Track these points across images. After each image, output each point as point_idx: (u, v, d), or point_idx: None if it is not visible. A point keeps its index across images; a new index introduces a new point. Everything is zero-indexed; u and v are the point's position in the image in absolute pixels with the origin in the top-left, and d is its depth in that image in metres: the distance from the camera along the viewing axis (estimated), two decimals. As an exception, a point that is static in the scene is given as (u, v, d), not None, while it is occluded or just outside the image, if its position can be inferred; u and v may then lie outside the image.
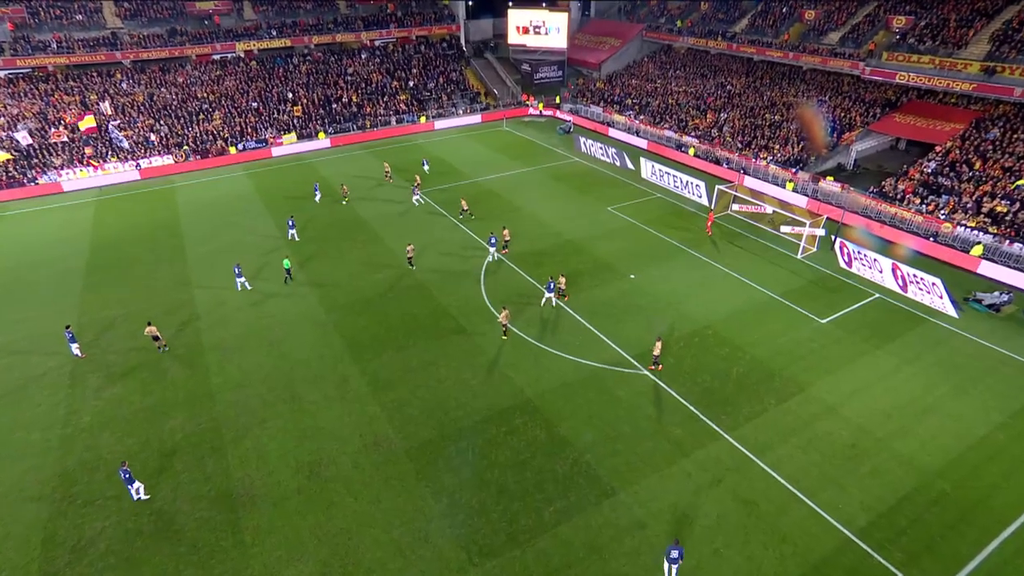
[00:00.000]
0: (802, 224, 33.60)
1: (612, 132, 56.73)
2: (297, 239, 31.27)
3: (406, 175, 42.98)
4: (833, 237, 33.59)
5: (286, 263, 26.70)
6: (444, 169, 45.89)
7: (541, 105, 64.46)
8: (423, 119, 58.44)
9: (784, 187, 41.38)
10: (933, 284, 27.71)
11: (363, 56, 64.41)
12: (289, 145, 51.75)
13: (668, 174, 43.01)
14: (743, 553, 16.13)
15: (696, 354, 24.14)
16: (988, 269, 31.39)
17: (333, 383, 22.01)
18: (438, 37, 71.25)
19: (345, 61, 62.92)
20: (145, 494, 16.56)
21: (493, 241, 30.91)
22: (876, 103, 47.29)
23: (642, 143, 53.09)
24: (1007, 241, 31.98)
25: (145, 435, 19.42)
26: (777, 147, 46.35)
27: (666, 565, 15.76)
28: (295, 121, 54.76)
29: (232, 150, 49.90)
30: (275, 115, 54.92)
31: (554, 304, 23.21)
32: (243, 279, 26.82)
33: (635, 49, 71.82)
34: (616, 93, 64.46)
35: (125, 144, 47.48)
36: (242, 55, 59.63)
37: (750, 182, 42.62)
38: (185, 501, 16.78)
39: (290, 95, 57.19)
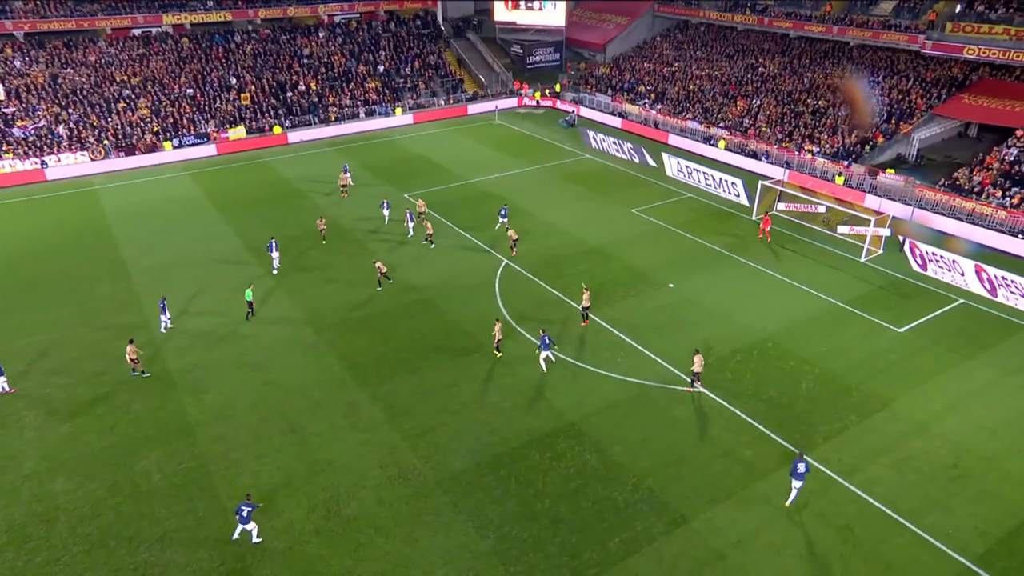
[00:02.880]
0: (864, 223, 35.62)
1: (625, 125, 59.27)
2: (276, 269, 31.75)
3: (396, 181, 44.33)
4: (901, 238, 35.65)
5: (248, 294, 27.36)
6: (431, 170, 47.52)
7: (538, 94, 67.11)
8: (399, 111, 60.38)
9: (834, 182, 43.71)
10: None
11: (321, 35, 66.59)
12: (238, 141, 52.96)
13: (697, 171, 45.29)
14: (844, 584, 17.25)
15: (757, 369, 25.58)
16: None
17: (339, 411, 22.83)
18: (410, 13, 73.99)
19: (300, 40, 64.91)
20: (257, 537, 17.03)
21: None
22: (940, 83, 50.52)
23: (663, 136, 55.56)
24: (1104, 237, 34.33)
25: (111, 478, 19.94)
26: (824, 137, 49.05)
27: (794, 484, 19.12)
28: (242, 112, 56.06)
29: (167, 146, 50.80)
30: (217, 105, 56.13)
31: (552, 361, 24.00)
32: (167, 317, 26.11)
33: (646, 26, 75.46)
34: (626, 79, 67.53)
35: (18, 133, 47.48)
36: (170, 30, 60.85)
37: (795, 178, 44.95)
38: (178, 551, 17.33)
39: (234, 80, 58.65)
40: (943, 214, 39.39)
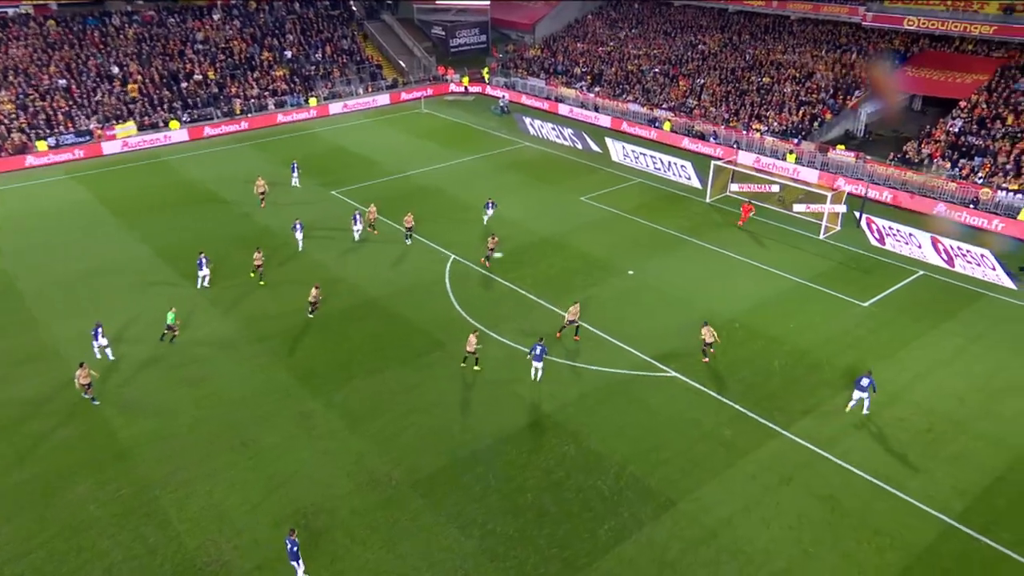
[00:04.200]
0: (820, 200, 38.40)
1: (563, 109, 61.32)
2: (204, 287, 31.58)
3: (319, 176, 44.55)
4: (857, 213, 38.58)
5: (171, 317, 27.32)
6: (359, 164, 48.04)
7: (466, 80, 68.47)
8: (313, 101, 60.47)
9: (785, 160, 46.72)
10: (982, 256, 32.87)
11: (215, 17, 65.87)
12: (129, 138, 51.83)
13: (644, 155, 47.57)
14: (836, 550, 19.00)
15: (727, 350, 27.54)
16: (1040, 234, 37.41)
17: (292, 421, 23.24)
18: (321, -8, 73.91)
19: (191, 23, 63.97)
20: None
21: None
22: (883, 56, 54.50)
23: (604, 120, 57.86)
24: (1052, 202, 38.19)
25: (38, 513, 19.78)
26: (771, 115, 52.23)
27: (856, 395, 23.64)
28: (131, 106, 54.85)
29: (41, 146, 49.15)
30: (97, 97, 54.67)
31: (540, 377, 24.98)
32: (104, 342, 25.66)
33: (576, 4, 78.08)
34: (559, 61, 69.79)
35: None
36: (31, 11, 58.72)
37: (744, 157, 47.77)
38: (128, 585, 17.46)
39: (116, 69, 57.30)
40: (895, 188, 42.70)
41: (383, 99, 63.69)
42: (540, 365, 24.72)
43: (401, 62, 69.56)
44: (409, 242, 35.95)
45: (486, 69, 70.12)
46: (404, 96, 65.00)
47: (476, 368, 25.65)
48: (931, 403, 24.81)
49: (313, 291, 28.63)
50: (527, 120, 55.81)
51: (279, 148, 51.54)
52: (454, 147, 51.68)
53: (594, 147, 51.00)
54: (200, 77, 58.96)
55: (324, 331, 28.24)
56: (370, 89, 64.13)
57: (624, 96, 60.48)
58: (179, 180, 45.05)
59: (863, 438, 23.08)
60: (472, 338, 25.43)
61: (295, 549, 17.43)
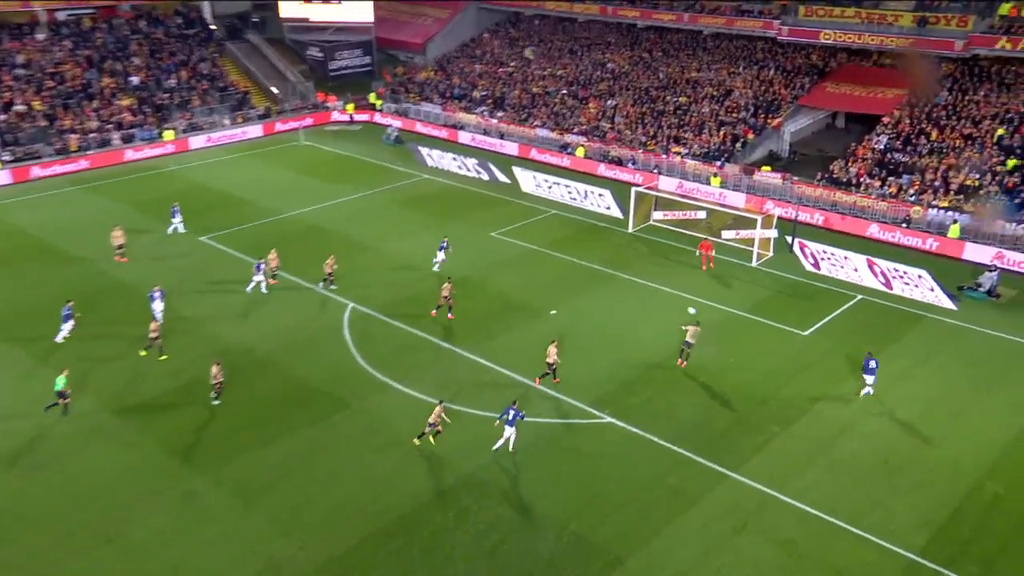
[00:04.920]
0: (750, 225, 40.67)
1: (464, 137, 62.75)
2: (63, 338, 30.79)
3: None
4: (789, 238, 41.05)
5: (60, 381, 26.23)
6: (229, 204, 47.55)
7: (351, 107, 69.14)
8: (170, 135, 59.44)
9: (710, 184, 49.30)
10: (919, 277, 35.56)
11: (40, 36, 64.08)
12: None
13: (558, 184, 49.29)
14: (798, 597, 19.90)
15: (664, 390, 28.65)
16: (975, 252, 40.60)
17: (173, 505, 22.53)
18: (167, 9, 73.05)
19: (6, 44, 61.89)
20: None
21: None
22: (801, 71, 58.76)
23: (511, 148, 59.53)
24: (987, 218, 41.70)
25: None
26: (691, 137, 55.15)
27: (868, 379, 27.81)
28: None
29: None
30: None
31: (512, 447, 24.97)
32: None
33: (470, 21, 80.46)
34: (455, 84, 71.56)
35: None
36: None
37: (666, 183, 50.14)
38: None
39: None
40: (826, 209, 45.68)
41: (255, 130, 63.37)
42: (512, 432, 24.56)
43: (273, 88, 69.51)
44: (321, 287, 36.04)
45: (373, 94, 71.00)
46: (280, 127, 64.90)
47: (432, 441, 25.33)
48: (883, 432, 26.48)
49: (213, 369, 27.32)
50: (424, 150, 56.73)
51: (130, 190, 50.31)
52: (342, 182, 51.90)
53: (502, 178, 52.29)
54: (23, 107, 57.02)
55: (201, 397, 27.62)
56: (239, 120, 63.68)
57: (531, 121, 62.45)
58: (4, 229, 43.24)
59: (818, 474, 24.36)
60: (437, 410, 25.22)
61: None
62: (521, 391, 28.26)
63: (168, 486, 23.45)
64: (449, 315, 33.76)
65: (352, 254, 39.63)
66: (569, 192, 48.77)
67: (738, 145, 53.91)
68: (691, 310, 32.45)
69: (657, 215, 45.11)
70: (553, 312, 34.37)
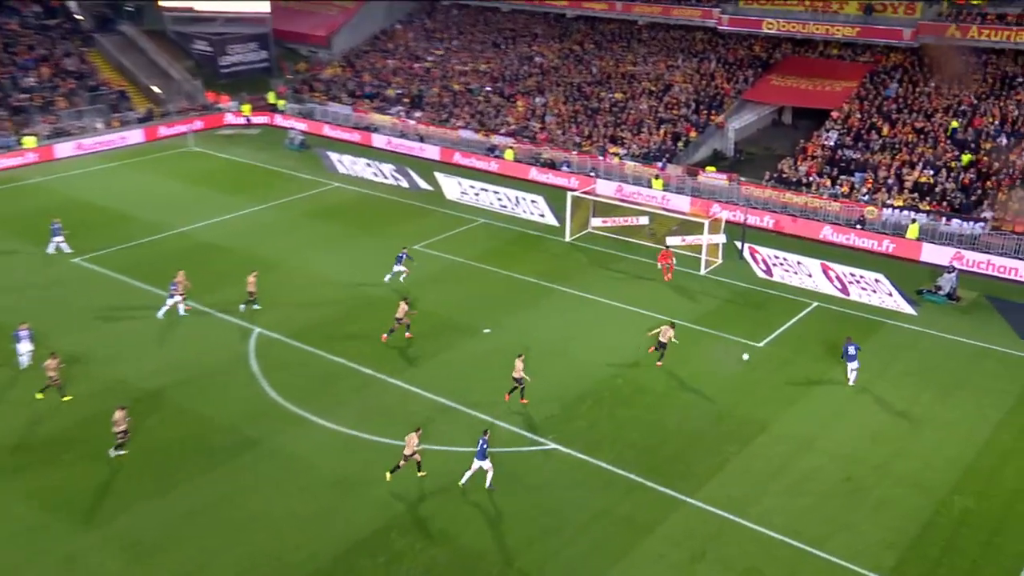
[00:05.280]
0: (697, 231, 41.92)
1: (378, 140, 63.05)
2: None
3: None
4: (739, 243, 42.42)
5: None
6: (108, 221, 46.75)
7: (247, 108, 68.64)
8: (30, 141, 57.92)
9: (651, 187, 50.60)
10: (877, 281, 37.21)
11: None
12: None
13: (486, 191, 50.02)
14: (764, 627, 20.64)
15: (613, 411, 29.38)
16: (934, 254, 42.60)
17: (51, 569, 21.99)
18: (22, -3, 70.98)
19: None
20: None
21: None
22: (744, 64, 60.85)
23: (432, 151, 60.06)
24: (943, 219, 43.80)
25: None
26: (629, 136, 56.52)
27: (851, 367, 30.62)
28: None
29: None
30: None
31: (489, 481, 25.04)
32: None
33: (380, 11, 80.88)
34: (366, 82, 71.78)
35: None
36: None
37: (604, 187, 51.24)
38: None
39: None
40: (776, 211, 47.32)
41: (135, 136, 62.32)
42: (484, 464, 24.68)
43: (155, 87, 68.48)
44: (243, 308, 35.95)
45: (273, 94, 70.66)
46: (164, 131, 64.01)
47: (420, 474, 25.47)
48: (846, 447, 27.63)
49: (117, 414, 26.26)
50: (334, 156, 56.76)
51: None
52: (241, 193, 51.56)
53: (423, 184, 52.70)
54: None
55: (87, 443, 27.05)
56: (115, 124, 62.47)
57: (453, 121, 63.03)
58: None
59: (778, 496, 25.27)
60: (413, 438, 25.28)
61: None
62: (451, 417, 28.53)
63: (47, 548, 22.77)
64: (407, 334, 34.05)
65: (259, 270, 39.19)
66: (499, 199, 49.42)
67: (680, 144, 55.45)
68: (744, 356, 33.19)
69: (596, 222, 46.06)
70: (487, 330, 34.80)
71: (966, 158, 47.50)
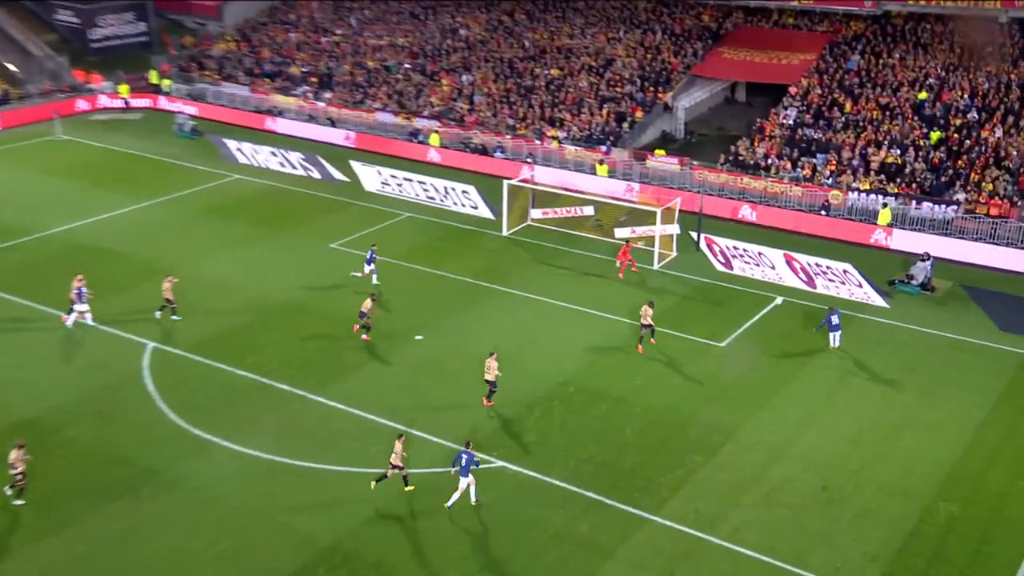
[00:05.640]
0: (648, 221, 42.48)
1: (283, 126, 62.54)
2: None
3: None
4: (695, 234, 43.06)
5: None
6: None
7: (124, 89, 67.42)
8: None
9: (596, 173, 51.09)
10: (845, 272, 38.09)
11: None
12: None
13: (411, 181, 49.97)
14: (742, 654, 21.01)
15: (564, 422, 29.63)
16: (905, 241, 43.82)
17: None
18: None
19: None
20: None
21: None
22: (692, 35, 61.80)
23: (346, 138, 59.98)
24: (912, 202, 45.09)
25: None
26: (569, 117, 56.98)
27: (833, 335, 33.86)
28: None
29: None
30: None
31: (474, 498, 25.15)
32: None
33: (280, -23, 79.59)
34: (265, 58, 71.08)
35: None
36: None
37: (544, 174, 51.54)
38: None
39: None
40: (733, 198, 48.15)
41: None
42: (470, 481, 24.77)
43: (10, 65, 66.60)
44: (159, 315, 35.56)
45: (155, 73, 69.48)
46: (24, 116, 62.33)
47: (408, 488, 25.67)
48: (821, 454, 28.26)
49: (13, 453, 24.99)
50: (232, 144, 56.10)
51: None
52: (123, 187, 50.74)
53: (337, 175, 52.42)
54: None
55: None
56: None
57: (369, 103, 62.70)
58: None
59: (751, 510, 25.71)
60: (397, 444, 25.40)
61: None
62: (385, 436, 28.39)
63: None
64: (364, 336, 34.29)
65: (147, 280, 38.57)
66: (425, 190, 49.39)
67: (625, 125, 56.09)
68: (778, 300, 36.04)
69: (536, 213, 46.32)
70: (419, 337, 34.77)
71: (935, 136, 48.93)
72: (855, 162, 48.75)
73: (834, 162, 49.13)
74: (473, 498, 25.35)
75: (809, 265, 39.35)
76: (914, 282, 39.73)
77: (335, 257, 41.68)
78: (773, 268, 40.15)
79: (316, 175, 52.89)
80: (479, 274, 40.06)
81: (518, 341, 34.53)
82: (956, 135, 48.58)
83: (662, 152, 52.94)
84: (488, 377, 29.69)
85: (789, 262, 39.72)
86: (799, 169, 49.41)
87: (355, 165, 51.95)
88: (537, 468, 27.13)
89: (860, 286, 38.14)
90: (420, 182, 49.49)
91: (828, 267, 38.96)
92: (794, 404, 31.08)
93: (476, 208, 47.22)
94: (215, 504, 25.70)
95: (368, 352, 33.71)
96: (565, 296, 38.27)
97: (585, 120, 56.32)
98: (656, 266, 41.44)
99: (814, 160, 49.85)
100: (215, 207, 48.19)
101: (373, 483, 25.70)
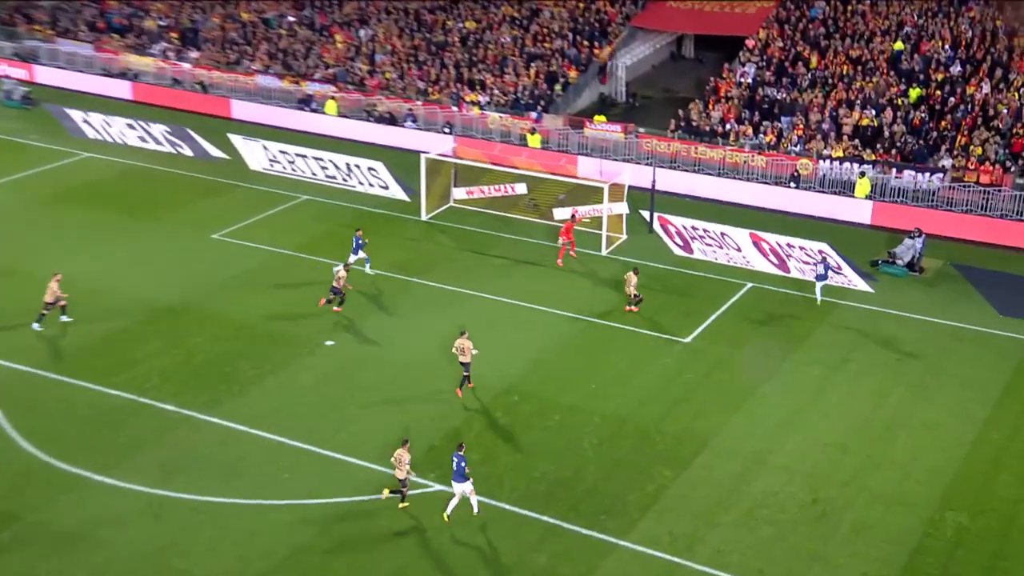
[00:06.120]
0: (592, 199, 42.87)
1: (141, 92, 62.40)
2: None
3: None
4: (647, 214, 43.56)
5: None
6: None
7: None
8: None
9: (527, 144, 51.44)
10: (821, 253, 38.81)
11: None
12: None
13: (305, 157, 49.55)
14: None
15: (511, 436, 29.69)
16: (886, 215, 44.95)
17: None
18: None
19: None
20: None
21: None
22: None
23: (221, 106, 59.79)
24: (893, 171, 46.19)
25: None
26: (490, 79, 57.12)
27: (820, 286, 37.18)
28: None
29: None
30: None
31: (475, 509, 25.71)
32: None
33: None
34: (112, 9, 70.23)
35: None
36: None
37: (465, 147, 51.57)
38: None
39: None
40: (688, 170, 48.76)
41: None
42: (467, 489, 25.17)
43: None
44: (37, 326, 35.14)
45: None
46: None
47: (403, 505, 25.92)
48: (807, 462, 28.75)
49: None
50: (77, 115, 55.20)
51: None
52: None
53: (214, 151, 51.89)
54: None
55: None
56: None
57: (247, 64, 61.94)
58: None
59: (732, 529, 25.99)
60: (403, 454, 25.44)
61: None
62: (300, 460, 28.23)
63: None
64: (336, 308, 35.79)
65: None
66: (323, 167, 49.08)
67: (558, 88, 56.38)
68: (327, 343, 34.61)
69: (459, 193, 46.41)
70: (329, 343, 34.50)
71: (914, 93, 50.23)
72: (825, 126, 49.75)
73: (801, 126, 50.10)
74: (475, 508, 25.58)
75: (779, 246, 40.09)
76: (900, 262, 40.64)
77: (220, 250, 41.16)
78: (739, 250, 40.81)
79: (187, 152, 52.30)
80: (398, 266, 39.95)
81: (448, 344, 34.46)
82: (938, 92, 49.90)
83: (602, 118, 53.41)
84: (464, 359, 30.56)
85: (757, 243, 40.45)
86: (761, 135, 50.30)
87: (235, 139, 51.43)
88: (482, 491, 26.90)
89: (838, 269, 38.84)
90: (317, 159, 49.21)
91: (801, 247, 39.68)
92: (773, 406, 31.54)
93: (387, 188, 47.15)
94: (92, 552, 24.82)
95: (269, 363, 33.26)
96: (500, 290, 38.45)
97: (510, 82, 56.45)
98: (604, 252, 41.71)
99: (779, 124, 50.63)
100: (64, 192, 47.36)
101: (386, 491, 26.22)
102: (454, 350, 30.96)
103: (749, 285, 39.19)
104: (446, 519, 25.50)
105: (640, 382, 32.77)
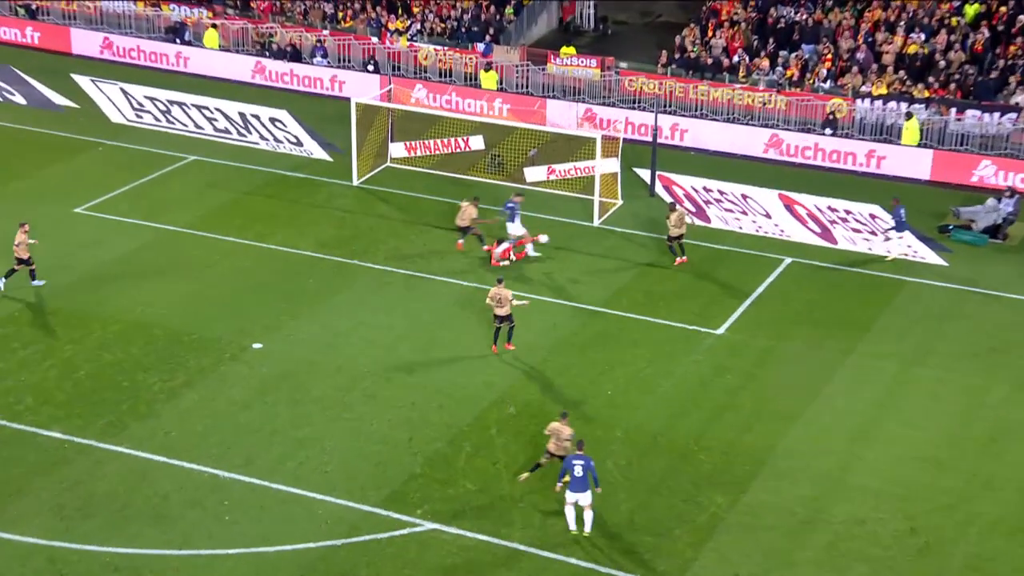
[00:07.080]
0: (575, 154, 43.06)
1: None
2: None
3: None
4: (645, 173, 43.80)
5: None
6: None
7: None
8: None
9: (480, 86, 51.61)
10: (873, 217, 39.27)
11: None
12: None
13: (182, 106, 49.23)
14: None
15: (511, 457, 29.68)
16: (948, 168, 45.82)
17: None
18: None
19: None
20: None
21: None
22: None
23: (57, 41, 58.97)
24: (951, 111, 46.75)
25: None
26: (420, 2, 56.77)
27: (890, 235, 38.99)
28: None
29: None
30: None
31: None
32: None
33: None
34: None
35: None
36: None
37: (399, 89, 51.33)
38: None
39: None
40: (691, 115, 49.15)
41: None
42: (584, 499, 25.79)
43: None
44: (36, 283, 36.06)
45: None
46: None
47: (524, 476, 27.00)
48: (897, 482, 29.00)
49: None
50: None
51: None
52: None
53: (58, 99, 51.37)
54: None
55: None
56: None
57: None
58: None
59: (815, 569, 26.10)
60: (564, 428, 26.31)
61: None
62: (249, 498, 28.11)
63: None
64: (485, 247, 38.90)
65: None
66: (211, 119, 48.58)
67: (508, 11, 56.33)
68: (254, 346, 34.79)
69: (397, 150, 46.25)
70: (257, 345, 34.18)
71: (971, 10, 50.79)
72: (860, 55, 50.05)
73: (829, 56, 50.34)
74: (587, 526, 26.00)
75: (819, 210, 40.64)
76: (976, 227, 41.23)
77: (88, 228, 40.68)
78: (768, 216, 41.29)
79: (18, 99, 51.70)
80: (329, 245, 39.88)
81: (413, 343, 34.50)
82: (1003, 7, 50.54)
83: (571, 50, 53.40)
84: (500, 312, 32.68)
85: (789, 207, 41.01)
86: (780, 69, 50.52)
87: (82, 81, 50.91)
88: (487, 529, 26.89)
89: (900, 236, 39.35)
90: (201, 107, 48.83)
91: (848, 211, 40.26)
92: (841, 412, 31.86)
93: (300, 145, 46.79)
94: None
95: (182, 374, 32.94)
96: (466, 273, 38.69)
97: (446, 4, 56.24)
98: (596, 222, 41.96)
99: (801, 54, 51.11)
100: None
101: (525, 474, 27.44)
102: (489, 300, 32.03)
103: (788, 260, 39.63)
104: (585, 534, 26.24)
105: (667, 386, 33.01)
